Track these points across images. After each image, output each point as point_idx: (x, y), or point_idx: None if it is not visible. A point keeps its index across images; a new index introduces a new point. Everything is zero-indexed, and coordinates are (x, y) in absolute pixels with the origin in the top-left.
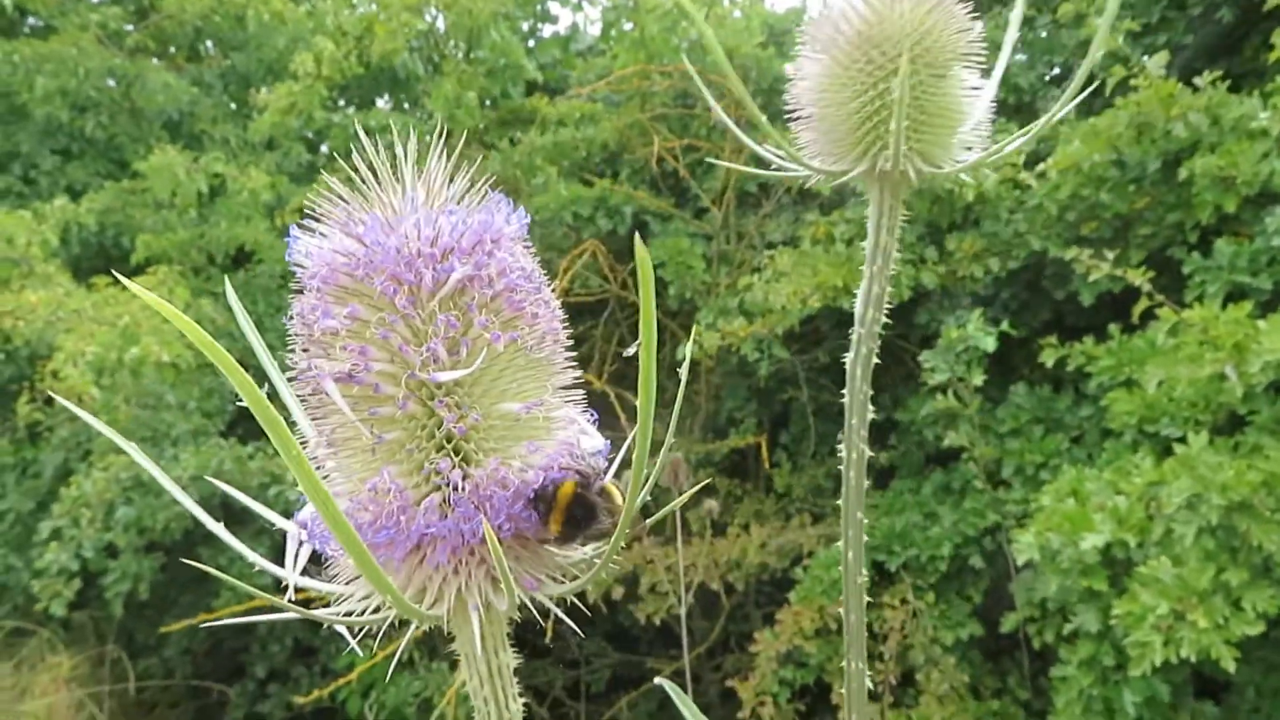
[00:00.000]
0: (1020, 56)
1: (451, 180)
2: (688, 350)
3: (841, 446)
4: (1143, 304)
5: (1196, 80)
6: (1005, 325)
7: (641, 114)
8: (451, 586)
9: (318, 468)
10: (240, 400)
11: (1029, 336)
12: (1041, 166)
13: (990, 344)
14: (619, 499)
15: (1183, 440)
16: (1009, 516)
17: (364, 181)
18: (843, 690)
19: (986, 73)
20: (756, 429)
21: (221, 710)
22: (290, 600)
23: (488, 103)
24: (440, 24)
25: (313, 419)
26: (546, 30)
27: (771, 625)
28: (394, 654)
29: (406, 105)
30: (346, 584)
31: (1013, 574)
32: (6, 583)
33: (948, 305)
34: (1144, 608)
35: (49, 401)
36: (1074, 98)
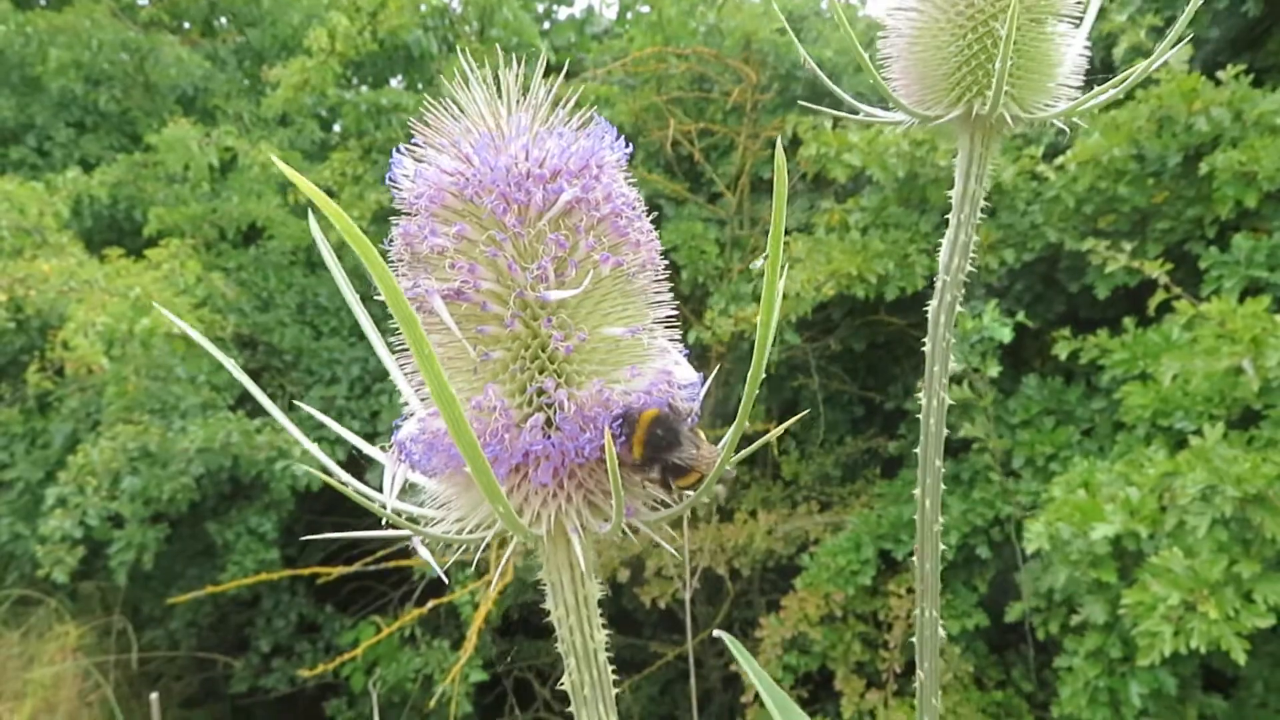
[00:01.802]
0: None
1: (554, 107)
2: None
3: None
4: (1159, 296)
5: (1219, 74)
6: (1021, 316)
7: (657, 97)
8: (550, 507)
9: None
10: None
11: (1042, 328)
12: (1060, 159)
13: (1006, 335)
14: (703, 438)
15: (1197, 434)
16: (1018, 507)
17: (464, 109)
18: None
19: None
20: (766, 416)
21: (225, 683)
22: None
23: None
24: (455, 3)
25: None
26: (562, 14)
27: (775, 611)
28: (396, 632)
29: (420, 85)
30: (439, 508)
31: (1020, 565)
32: (14, 551)
33: (961, 295)
34: (1154, 598)
35: (59, 372)
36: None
